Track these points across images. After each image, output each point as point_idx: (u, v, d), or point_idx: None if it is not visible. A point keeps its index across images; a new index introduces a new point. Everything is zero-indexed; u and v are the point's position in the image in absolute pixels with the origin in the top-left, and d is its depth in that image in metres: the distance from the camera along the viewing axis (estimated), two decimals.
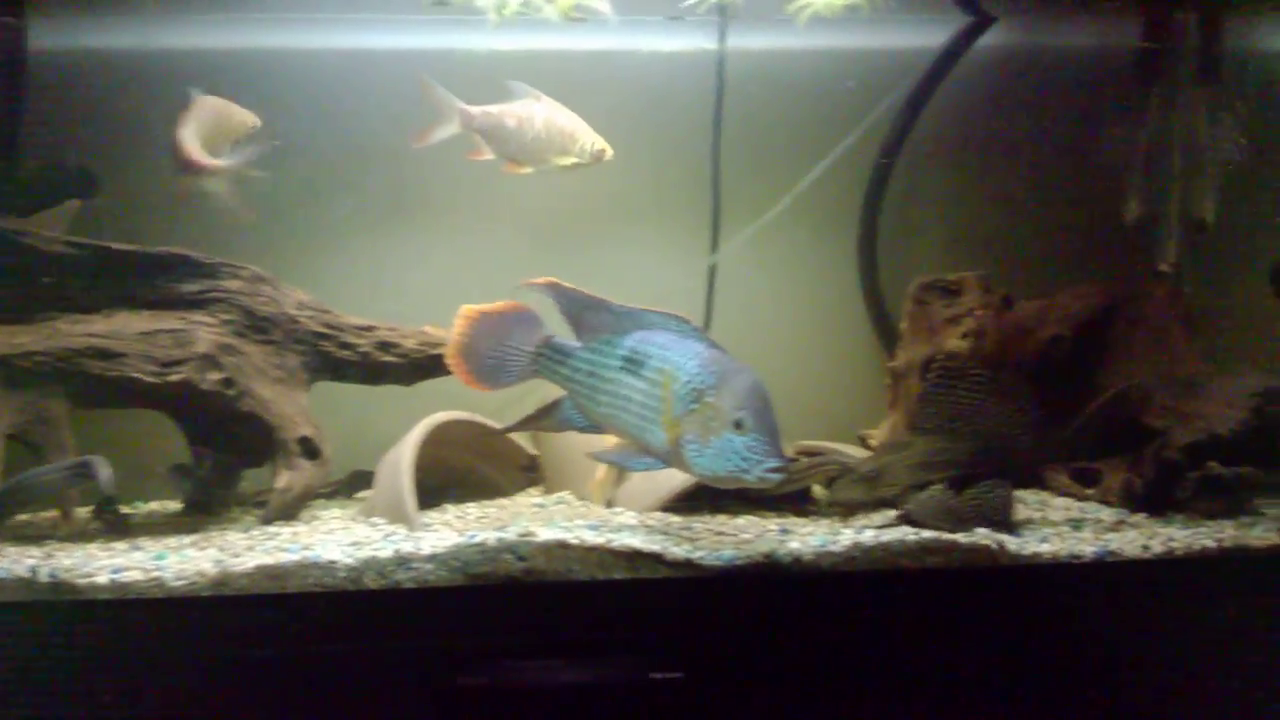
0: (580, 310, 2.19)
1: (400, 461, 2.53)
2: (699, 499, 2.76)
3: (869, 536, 2.43)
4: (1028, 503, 2.80)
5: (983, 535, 2.43)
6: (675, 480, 2.68)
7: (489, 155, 2.66)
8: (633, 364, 2.14)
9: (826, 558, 2.35)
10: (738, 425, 2.03)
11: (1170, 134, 3.27)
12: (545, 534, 2.35)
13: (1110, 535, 2.41)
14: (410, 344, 2.80)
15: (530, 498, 2.88)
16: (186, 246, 2.69)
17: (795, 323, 3.27)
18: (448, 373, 2.76)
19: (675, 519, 2.64)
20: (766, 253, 3.19)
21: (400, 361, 2.79)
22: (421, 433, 2.59)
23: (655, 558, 2.32)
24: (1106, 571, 2.40)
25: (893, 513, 2.58)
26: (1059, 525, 2.48)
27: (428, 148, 2.78)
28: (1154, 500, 2.55)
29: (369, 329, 2.79)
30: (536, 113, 2.65)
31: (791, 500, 2.72)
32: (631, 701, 2.25)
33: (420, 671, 2.21)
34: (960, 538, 2.41)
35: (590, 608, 2.27)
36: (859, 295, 3.29)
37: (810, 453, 2.91)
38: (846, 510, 2.54)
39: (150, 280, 2.64)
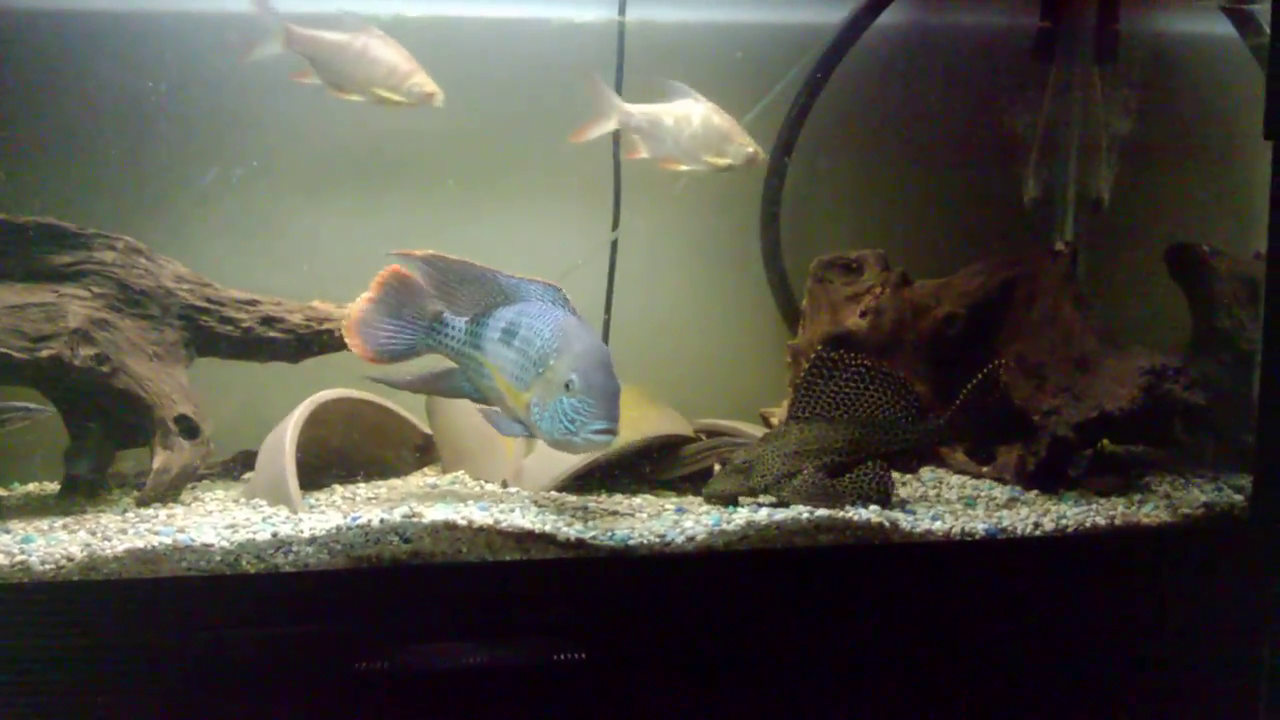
0: (460, 283, 2.13)
1: (282, 441, 2.44)
2: (594, 478, 2.71)
3: (763, 515, 2.41)
4: (924, 480, 2.80)
5: (875, 513, 2.41)
6: (571, 459, 2.63)
7: (644, 154, 2.69)
8: (508, 335, 2.12)
9: (721, 537, 2.32)
10: (567, 387, 2.09)
11: (1067, 113, 3.28)
12: (432, 515, 2.28)
13: (1003, 513, 2.41)
14: (296, 319, 2.71)
15: (425, 478, 2.80)
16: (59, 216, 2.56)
17: (702, 299, 3.22)
18: (336, 348, 2.71)
19: (571, 499, 2.59)
20: (672, 228, 3.12)
21: (285, 337, 2.69)
22: (305, 411, 2.50)
23: (546, 539, 2.27)
24: (998, 548, 2.40)
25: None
26: (953, 503, 2.48)
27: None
28: (1047, 478, 2.56)
29: (252, 303, 2.69)
30: (694, 113, 2.65)
31: (693, 481, 2.68)
32: (535, 684, 2.20)
33: (308, 658, 2.14)
34: (853, 515, 2.40)
35: (480, 590, 2.21)
36: (765, 273, 3.21)
37: (712, 432, 2.88)
38: (723, 502, 2.51)
39: (19, 252, 2.50)
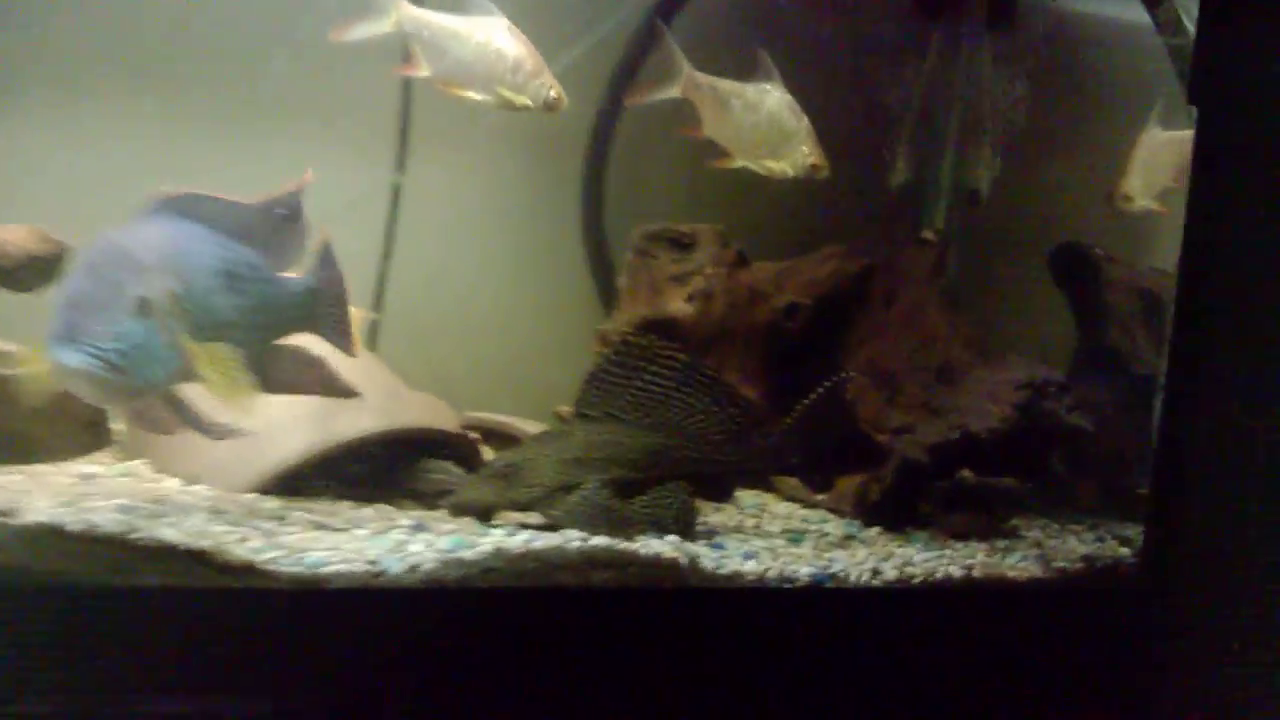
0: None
1: None
2: (321, 481, 2.07)
3: (519, 541, 1.79)
4: (743, 506, 2.23)
5: (671, 546, 1.82)
6: (281, 451, 1.99)
7: (423, 71, 2.22)
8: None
9: (457, 566, 1.70)
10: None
11: (950, 86, 2.77)
12: (34, 516, 1.60)
13: (835, 554, 1.91)
14: None
15: (87, 466, 2.11)
16: None
17: (504, 271, 2.75)
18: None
19: (271, 505, 1.95)
20: (472, 181, 2.65)
21: None
22: None
23: (200, 558, 1.61)
24: (824, 600, 1.84)
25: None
26: (773, 537, 1.95)
27: None
28: (892, 513, 2.04)
29: None
30: (493, 32, 2.20)
31: (445, 493, 2.07)
32: None
33: None
34: (639, 548, 1.80)
35: (80, 626, 1.54)
36: (580, 241, 2.76)
37: (483, 429, 2.27)
38: (482, 516, 1.90)
39: None
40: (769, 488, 2.36)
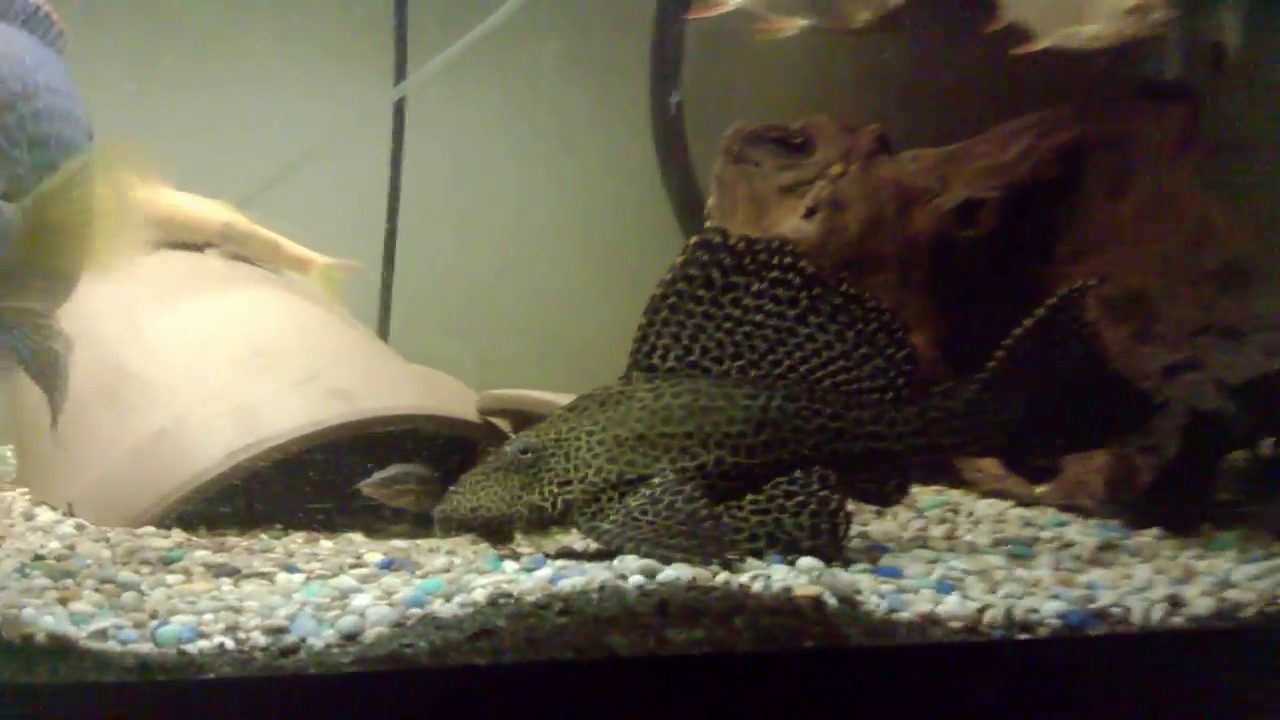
0: None
1: None
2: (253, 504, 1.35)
3: (538, 580, 1.05)
4: (920, 509, 1.43)
5: (807, 576, 1.03)
6: (192, 467, 1.31)
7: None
8: None
9: (426, 632, 0.99)
10: None
11: None
12: None
13: (1094, 575, 1.21)
14: None
15: None
16: None
17: (554, 195, 2.17)
18: None
19: (168, 541, 1.25)
20: (502, 95, 2.13)
21: None
22: None
23: None
24: (1092, 656, 1.05)
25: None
26: (983, 553, 1.19)
27: None
28: (1178, 502, 1.24)
29: None
30: None
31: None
32: None
33: None
34: (752, 582, 1.01)
35: None
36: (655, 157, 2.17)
37: (511, 411, 1.53)
38: (493, 536, 1.17)
39: None
40: (953, 478, 1.54)
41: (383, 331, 1.96)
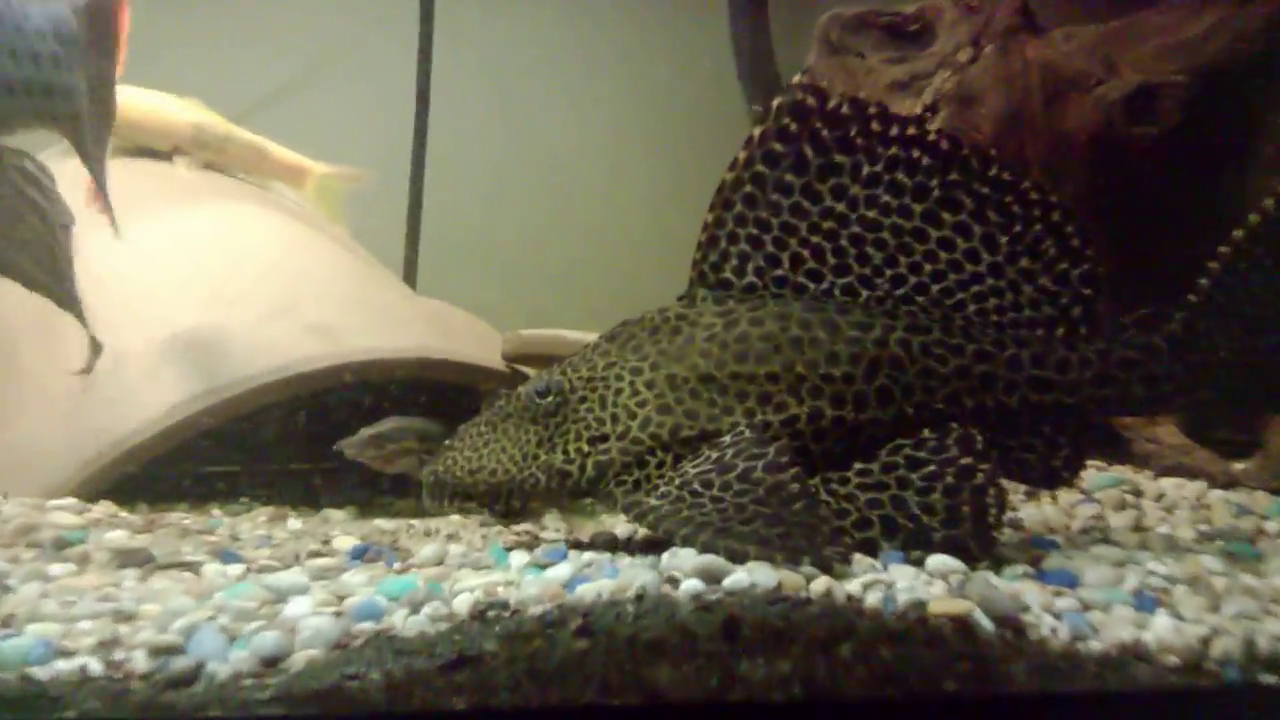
0: None
1: None
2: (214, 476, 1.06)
3: (549, 579, 0.70)
4: (1089, 488, 1.07)
5: (943, 584, 0.69)
6: (125, 425, 1.00)
7: None
8: None
9: (375, 656, 0.68)
10: None
11: None
12: None
13: None
14: None
15: None
16: None
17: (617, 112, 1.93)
18: None
19: (92, 514, 0.95)
20: None
21: None
22: None
23: None
24: None
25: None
26: (1193, 551, 0.75)
27: None
28: None
29: None
30: None
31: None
32: None
33: None
34: (859, 589, 0.66)
35: None
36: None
37: (530, 354, 1.20)
38: (503, 511, 0.83)
39: None
40: (1127, 451, 1.19)
41: (410, 265, 1.67)
